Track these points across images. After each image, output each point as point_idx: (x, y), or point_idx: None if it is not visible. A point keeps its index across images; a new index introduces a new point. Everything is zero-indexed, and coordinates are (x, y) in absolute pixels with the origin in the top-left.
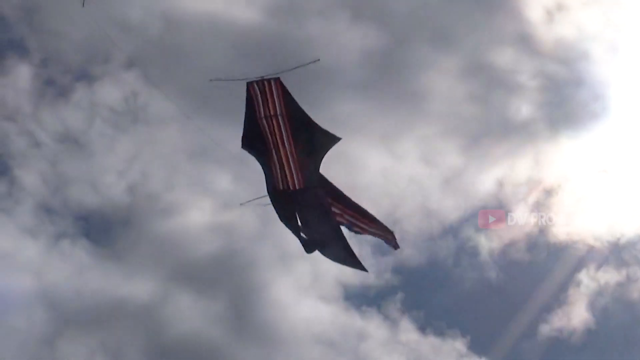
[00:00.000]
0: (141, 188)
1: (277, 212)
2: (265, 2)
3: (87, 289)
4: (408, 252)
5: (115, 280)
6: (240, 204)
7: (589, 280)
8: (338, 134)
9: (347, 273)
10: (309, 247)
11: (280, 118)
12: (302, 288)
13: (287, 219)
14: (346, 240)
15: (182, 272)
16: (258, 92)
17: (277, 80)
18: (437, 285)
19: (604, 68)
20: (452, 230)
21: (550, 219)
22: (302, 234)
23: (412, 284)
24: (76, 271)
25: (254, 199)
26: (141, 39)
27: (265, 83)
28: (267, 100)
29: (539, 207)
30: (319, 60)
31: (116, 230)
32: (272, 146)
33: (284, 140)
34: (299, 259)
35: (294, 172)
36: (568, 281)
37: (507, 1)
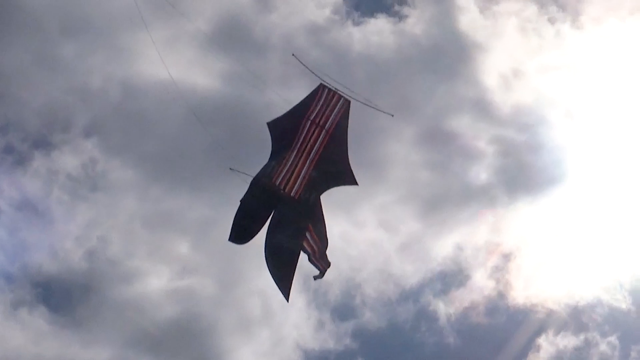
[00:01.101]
0: (100, 255)
1: (248, 193)
2: (223, 70)
3: (45, 357)
4: (368, 317)
5: (74, 348)
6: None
7: (548, 345)
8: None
9: (306, 338)
10: (239, 239)
11: (324, 132)
12: (262, 353)
13: (252, 207)
14: (295, 265)
15: (141, 339)
16: (323, 98)
17: (347, 102)
18: (397, 350)
19: (561, 133)
20: (411, 295)
21: (509, 284)
22: (243, 226)
23: (371, 349)
24: (34, 339)
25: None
26: (101, 106)
27: (336, 96)
28: (326, 110)
29: (498, 271)
30: (393, 115)
31: (75, 297)
32: (297, 146)
33: (313, 151)
34: (258, 324)
35: (299, 180)
36: (527, 346)
37: (463, 68)
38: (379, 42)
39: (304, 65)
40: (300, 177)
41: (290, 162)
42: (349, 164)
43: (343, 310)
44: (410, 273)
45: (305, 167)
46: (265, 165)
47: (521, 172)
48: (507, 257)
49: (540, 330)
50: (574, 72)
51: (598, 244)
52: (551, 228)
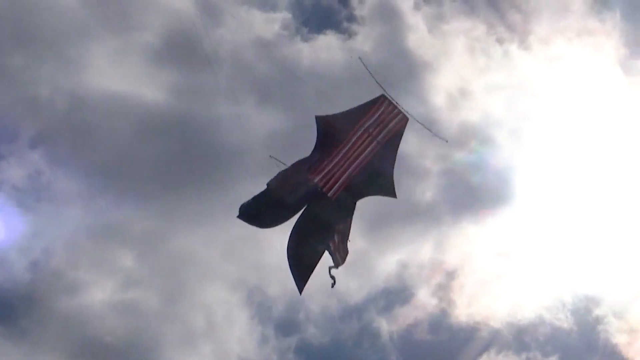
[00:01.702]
0: (44, 266)
1: (281, 181)
2: (172, 83)
3: None
4: (311, 332)
5: (16, 358)
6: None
7: None
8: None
9: (250, 352)
10: (254, 219)
11: (375, 142)
12: None
13: (283, 196)
14: (317, 263)
15: (84, 350)
16: (381, 110)
17: (406, 118)
18: None
19: (507, 153)
20: (355, 311)
21: (452, 302)
22: (264, 210)
23: None
24: None
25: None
26: (48, 117)
27: (395, 111)
28: (382, 122)
29: (441, 289)
30: (447, 141)
31: (18, 308)
32: (345, 150)
33: (360, 158)
34: (202, 337)
35: (339, 183)
36: None
37: (411, 86)
38: (328, 58)
39: (369, 72)
40: (341, 180)
41: (333, 164)
42: (392, 177)
43: (287, 325)
44: (355, 290)
45: (348, 172)
46: (306, 159)
47: (466, 191)
48: (450, 275)
49: (482, 348)
50: (521, 92)
51: (541, 264)
52: (495, 247)
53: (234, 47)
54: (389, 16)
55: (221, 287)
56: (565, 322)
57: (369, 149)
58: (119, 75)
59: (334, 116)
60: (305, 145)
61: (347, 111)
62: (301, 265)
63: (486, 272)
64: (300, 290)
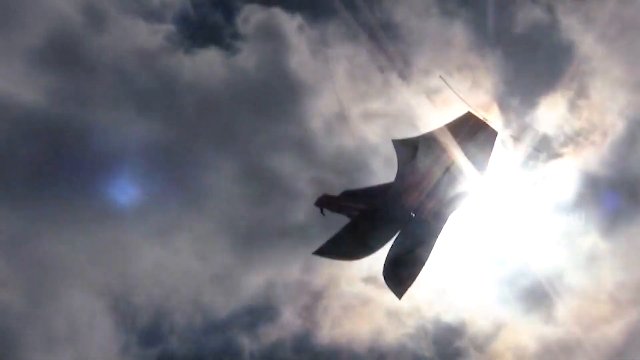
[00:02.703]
0: None
1: (368, 215)
2: (50, 86)
3: None
4: (174, 344)
5: None
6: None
7: None
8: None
9: None
10: (331, 252)
11: (465, 160)
12: None
13: (371, 229)
14: (416, 277)
15: None
16: (468, 127)
17: (495, 133)
18: None
19: (381, 180)
20: (219, 326)
21: (316, 323)
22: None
23: None
24: None
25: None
26: None
27: (483, 126)
28: (470, 139)
29: (307, 310)
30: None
31: None
32: (431, 170)
33: (448, 176)
34: (62, 343)
35: (431, 203)
36: None
37: (289, 109)
38: (209, 73)
39: (451, 88)
40: (432, 201)
41: (421, 186)
42: (480, 184)
43: (150, 336)
44: (220, 305)
45: (438, 193)
46: (390, 186)
47: (337, 214)
48: (316, 296)
49: None
50: (398, 122)
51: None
52: (361, 272)
53: (115, 54)
54: (273, 36)
55: (86, 293)
56: (426, 351)
57: (457, 165)
58: None
59: (416, 139)
60: (182, 159)
61: (431, 132)
62: (401, 281)
63: (351, 297)
64: (400, 297)
